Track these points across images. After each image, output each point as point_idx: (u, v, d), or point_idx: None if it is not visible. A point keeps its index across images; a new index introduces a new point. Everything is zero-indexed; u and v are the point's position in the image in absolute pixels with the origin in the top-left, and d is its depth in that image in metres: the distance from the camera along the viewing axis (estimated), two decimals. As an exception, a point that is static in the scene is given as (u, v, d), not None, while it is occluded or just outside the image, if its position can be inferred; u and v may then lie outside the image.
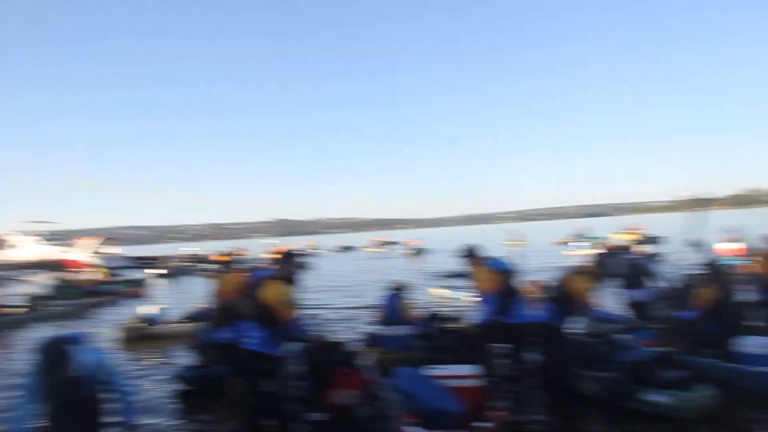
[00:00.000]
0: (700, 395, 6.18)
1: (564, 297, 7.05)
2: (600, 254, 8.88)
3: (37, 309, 18.59)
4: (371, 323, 10.69)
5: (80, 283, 23.74)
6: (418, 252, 44.39)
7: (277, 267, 6.02)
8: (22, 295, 20.59)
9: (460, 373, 5.85)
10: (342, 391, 5.30)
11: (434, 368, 5.95)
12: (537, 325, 6.92)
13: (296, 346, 5.92)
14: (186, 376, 8.57)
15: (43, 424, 4.08)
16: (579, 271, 7.32)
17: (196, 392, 8.36)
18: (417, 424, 5.44)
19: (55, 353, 4.11)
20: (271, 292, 5.55)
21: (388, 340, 9.44)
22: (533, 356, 7.93)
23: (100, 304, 20.67)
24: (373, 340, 9.63)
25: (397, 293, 10.15)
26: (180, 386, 8.53)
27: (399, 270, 28.73)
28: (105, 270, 30.74)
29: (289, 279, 5.78)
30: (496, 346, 6.88)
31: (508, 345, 6.63)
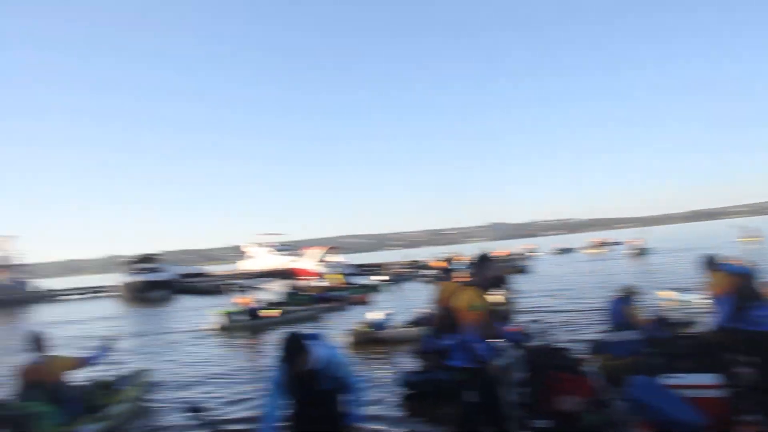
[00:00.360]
0: None
1: None
2: None
3: (288, 313, 20.14)
4: (597, 328, 10.35)
5: (310, 290, 25.22)
6: (642, 252, 42.04)
7: (471, 273, 5.77)
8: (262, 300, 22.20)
9: (701, 382, 5.33)
10: (567, 397, 5.12)
11: (671, 377, 5.50)
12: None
13: (518, 352, 5.82)
14: (409, 380, 8.77)
15: (289, 416, 4.40)
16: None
17: (419, 396, 8.56)
18: None
19: (294, 347, 4.36)
20: (462, 299, 5.43)
21: (616, 346, 9.03)
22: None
23: (329, 310, 21.73)
24: (599, 346, 9.27)
25: (624, 296, 9.66)
26: (403, 390, 8.78)
27: (622, 272, 27.43)
28: (340, 276, 32.53)
29: (484, 285, 5.53)
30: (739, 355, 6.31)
31: (753, 355, 6.03)
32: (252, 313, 19.18)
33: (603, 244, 55.69)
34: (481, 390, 4.98)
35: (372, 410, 8.50)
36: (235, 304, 19.88)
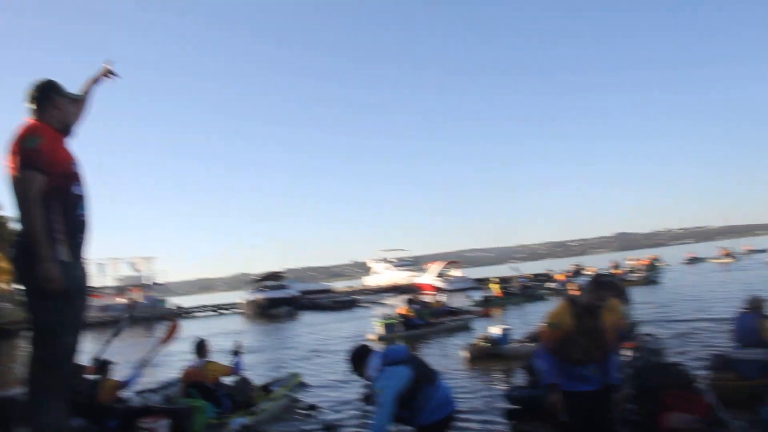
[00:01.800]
0: None
1: None
2: None
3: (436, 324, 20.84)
4: (722, 344, 9.77)
5: (432, 305, 25.32)
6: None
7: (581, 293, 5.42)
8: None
9: None
10: (678, 415, 4.84)
11: None
12: None
13: (627, 369, 5.60)
14: (513, 395, 8.67)
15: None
16: None
17: (523, 412, 8.38)
18: None
19: (355, 358, 4.89)
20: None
21: (743, 364, 8.45)
22: None
23: (450, 324, 21.49)
24: (722, 363, 8.70)
25: (756, 310, 8.97)
26: (508, 405, 8.65)
27: (758, 283, 25.77)
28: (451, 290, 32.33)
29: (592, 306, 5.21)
30: None
31: None
32: (408, 323, 19.86)
33: (728, 254, 52.15)
34: (600, 412, 4.78)
35: (475, 425, 8.51)
36: (396, 314, 20.68)
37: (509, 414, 8.46)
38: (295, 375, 11.55)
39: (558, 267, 47.07)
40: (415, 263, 68.73)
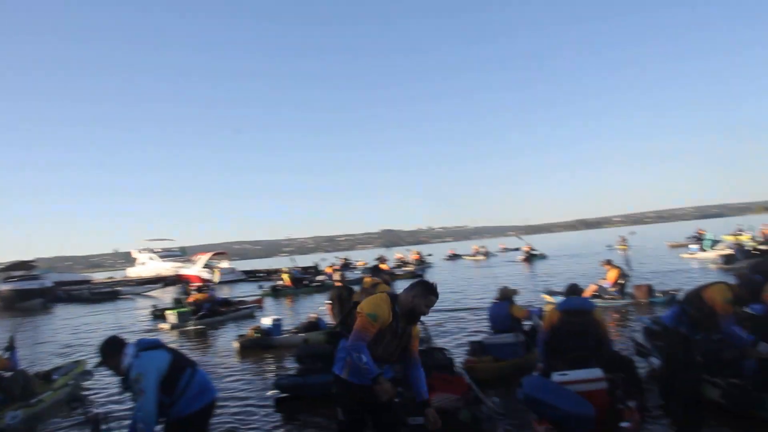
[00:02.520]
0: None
1: (698, 306, 6.31)
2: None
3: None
4: (480, 330, 10.59)
5: (198, 296, 24.71)
6: (532, 258, 43.26)
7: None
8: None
9: (586, 377, 5.65)
10: (440, 395, 5.15)
11: (560, 374, 5.74)
12: (661, 327, 6.60)
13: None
14: (282, 383, 8.97)
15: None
16: (722, 284, 6.54)
17: (291, 399, 8.76)
18: (550, 431, 5.38)
19: (106, 349, 4.54)
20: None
21: (497, 348, 9.26)
22: (656, 361, 7.56)
23: (238, 313, 21.34)
24: (480, 348, 9.44)
25: (506, 299, 9.93)
26: (276, 393, 8.97)
27: (512, 276, 28.25)
28: (219, 282, 31.87)
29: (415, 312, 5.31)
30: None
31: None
32: (199, 312, 19.59)
33: (477, 252, 56.39)
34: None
35: (243, 414, 8.51)
36: (187, 303, 20.54)
37: (278, 402, 8.72)
38: (78, 363, 11.17)
39: (324, 261, 48.04)
40: (184, 254, 66.87)
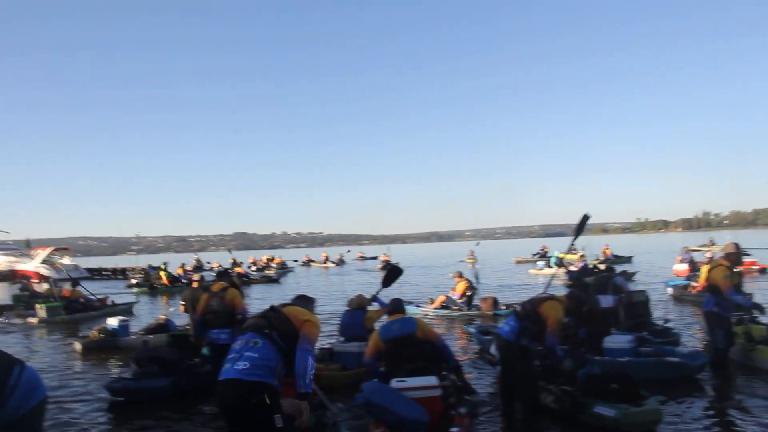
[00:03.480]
0: (646, 409, 6.43)
1: (534, 320, 7.00)
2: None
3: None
4: (330, 338, 10.85)
5: (44, 293, 23.69)
6: (386, 267, 44.14)
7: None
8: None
9: (422, 384, 6.02)
10: (286, 400, 5.44)
11: (397, 381, 6.10)
12: (499, 340, 7.09)
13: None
14: (113, 387, 8.77)
15: None
16: (556, 298, 7.32)
17: (128, 404, 8.58)
18: None
19: None
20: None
21: (345, 356, 9.50)
22: (493, 369, 8.21)
23: (112, 309, 20.56)
24: (330, 355, 9.71)
25: (359, 307, 10.01)
26: (109, 396, 8.77)
27: (364, 285, 28.86)
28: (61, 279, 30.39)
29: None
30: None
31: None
32: (70, 306, 19.12)
33: (337, 261, 57.01)
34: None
35: (73, 417, 8.24)
36: (60, 297, 19.66)
37: (111, 405, 8.59)
38: None
39: (179, 261, 47.01)
40: (28, 247, 62.59)
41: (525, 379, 6.87)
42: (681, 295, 18.05)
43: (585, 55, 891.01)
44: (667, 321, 11.72)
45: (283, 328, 4.56)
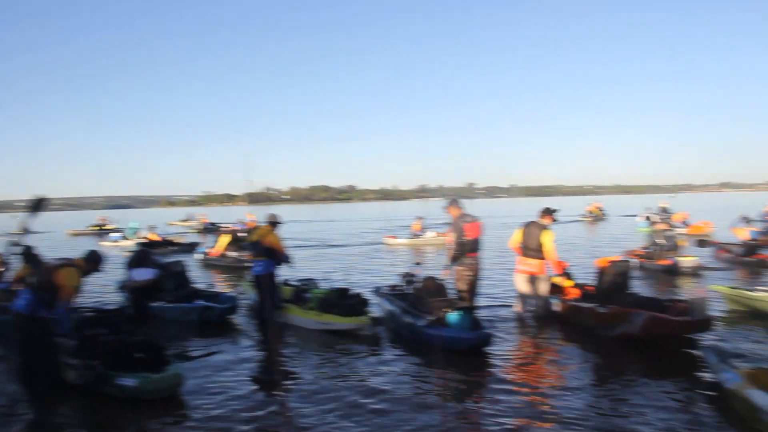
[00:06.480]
0: (166, 375, 6.61)
1: (47, 287, 6.51)
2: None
3: None
4: None
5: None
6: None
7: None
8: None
9: None
10: None
11: None
12: (16, 316, 6.39)
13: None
14: None
15: None
16: (69, 264, 6.85)
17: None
18: None
19: None
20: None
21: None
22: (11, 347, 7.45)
23: None
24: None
25: None
26: None
27: None
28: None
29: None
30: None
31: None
32: None
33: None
34: None
35: None
36: None
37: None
38: None
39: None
40: None
41: (45, 354, 6.42)
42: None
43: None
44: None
45: None
